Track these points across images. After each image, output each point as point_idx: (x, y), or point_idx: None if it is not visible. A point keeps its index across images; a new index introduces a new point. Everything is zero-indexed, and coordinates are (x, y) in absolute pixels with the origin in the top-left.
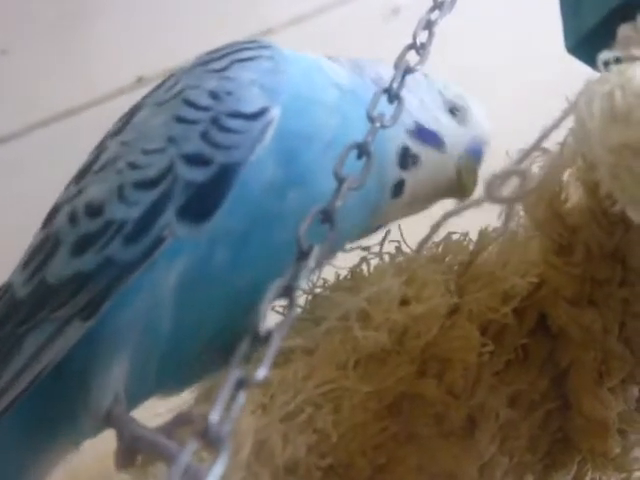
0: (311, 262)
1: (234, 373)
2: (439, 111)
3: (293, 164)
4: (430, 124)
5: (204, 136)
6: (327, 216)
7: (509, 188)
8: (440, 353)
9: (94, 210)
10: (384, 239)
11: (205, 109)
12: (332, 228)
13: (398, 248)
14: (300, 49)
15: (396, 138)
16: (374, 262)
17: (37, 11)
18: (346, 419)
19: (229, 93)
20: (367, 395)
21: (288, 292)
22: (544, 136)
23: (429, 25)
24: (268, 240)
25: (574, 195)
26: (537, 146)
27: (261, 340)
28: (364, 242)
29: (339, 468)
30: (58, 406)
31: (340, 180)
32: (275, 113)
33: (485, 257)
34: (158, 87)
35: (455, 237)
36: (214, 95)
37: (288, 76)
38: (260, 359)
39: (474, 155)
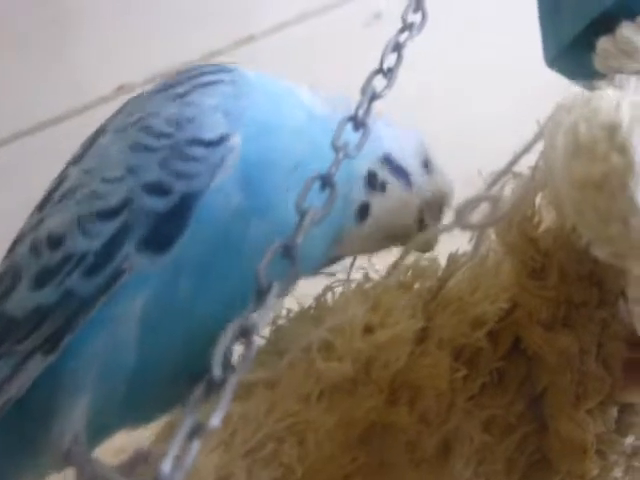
0: (270, 301)
1: (188, 420)
2: (414, 155)
3: (256, 191)
4: (401, 161)
5: (164, 164)
6: (288, 251)
7: (480, 214)
8: (410, 381)
9: (54, 241)
10: (351, 266)
11: (165, 136)
12: (294, 264)
13: (366, 275)
14: (283, 56)
15: (366, 161)
16: (341, 289)
17: (19, 19)
18: (312, 452)
19: (189, 120)
20: (334, 427)
21: (245, 334)
22: (515, 160)
23: (398, 47)
24: (232, 269)
25: (547, 218)
26: (508, 170)
27: (216, 385)
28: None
29: None
30: (20, 441)
31: (302, 213)
32: (237, 140)
33: (454, 282)
34: (119, 112)
35: (424, 263)
36: (174, 122)
37: (251, 100)
38: (215, 402)
39: (433, 211)
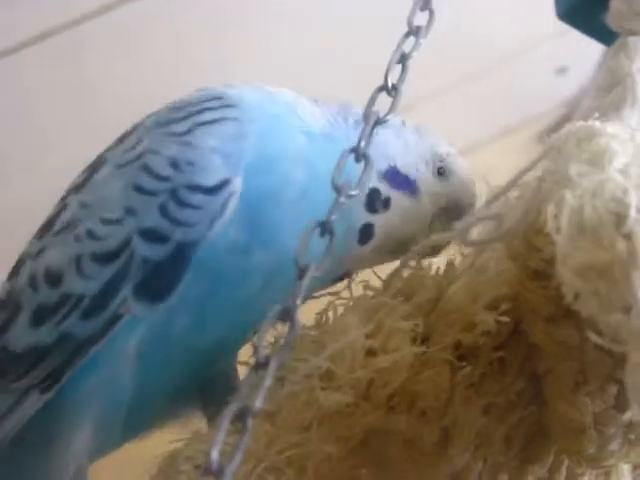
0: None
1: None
2: (422, 161)
3: (260, 225)
4: (407, 169)
5: (162, 210)
6: (287, 315)
7: (482, 228)
8: (410, 391)
9: (52, 279)
10: (350, 282)
11: (164, 179)
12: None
13: (366, 286)
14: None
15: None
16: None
17: None
18: (311, 476)
19: (189, 163)
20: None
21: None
22: (518, 178)
23: (403, 59)
24: (231, 302)
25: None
26: (510, 187)
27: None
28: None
29: None
30: (19, 475)
31: (301, 270)
32: (237, 184)
33: (453, 292)
34: (120, 141)
35: (422, 272)
36: (174, 164)
37: (253, 137)
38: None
39: (448, 218)
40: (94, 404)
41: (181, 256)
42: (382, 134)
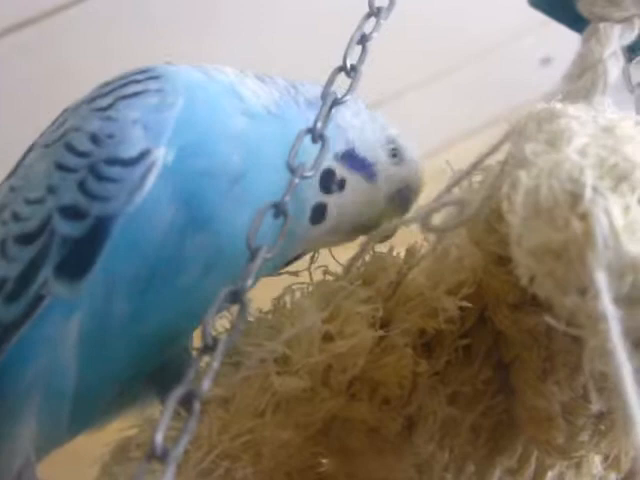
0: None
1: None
2: (378, 144)
3: (193, 204)
4: (365, 152)
5: (81, 186)
6: (236, 297)
7: (445, 214)
8: (370, 378)
9: None
10: (311, 264)
11: (84, 155)
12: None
13: (326, 271)
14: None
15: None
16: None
17: None
18: (267, 463)
19: (110, 136)
20: (290, 435)
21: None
22: (479, 161)
23: (363, 40)
24: (171, 286)
25: None
26: (471, 171)
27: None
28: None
29: None
30: None
31: (253, 252)
32: (158, 154)
33: (414, 277)
34: (52, 123)
35: (383, 256)
36: (95, 139)
37: (178, 110)
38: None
39: (404, 199)
40: (35, 394)
41: (99, 231)
42: (340, 115)
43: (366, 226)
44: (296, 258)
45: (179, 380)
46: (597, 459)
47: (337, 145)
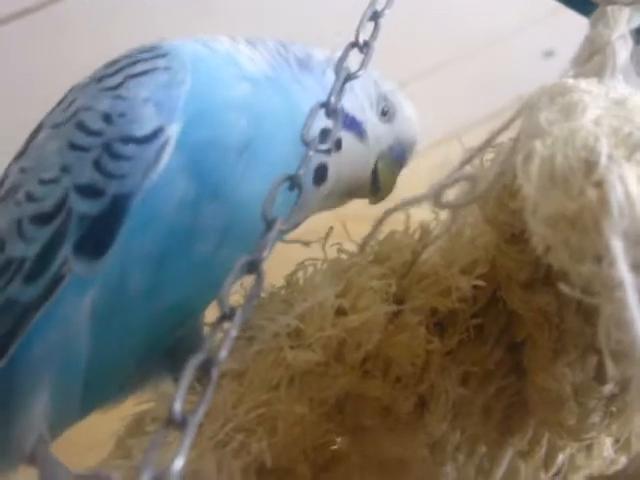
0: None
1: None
2: (368, 102)
3: (204, 175)
4: (355, 111)
5: (96, 164)
6: (253, 267)
7: (458, 190)
8: (384, 355)
9: None
10: (325, 240)
11: (97, 134)
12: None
13: (340, 249)
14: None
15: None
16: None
17: None
18: (282, 438)
19: (121, 115)
20: (304, 410)
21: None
22: (492, 138)
23: (375, 16)
24: (185, 259)
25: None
26: (484, 148)
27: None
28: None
29: (280, 472)
30: None
31: (269, 222)
32: (171, 132)
33: (428, 255)
34: (59, 103)
35: (398, 235)
36: (106, 118)
37: (188, 85)
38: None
39: (395, 157)
40: (48, 370)
41: (117, 209)
42: (329, 75)
43: (355, 190)
44: (297, 225)
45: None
46: (608, 441)
47: None
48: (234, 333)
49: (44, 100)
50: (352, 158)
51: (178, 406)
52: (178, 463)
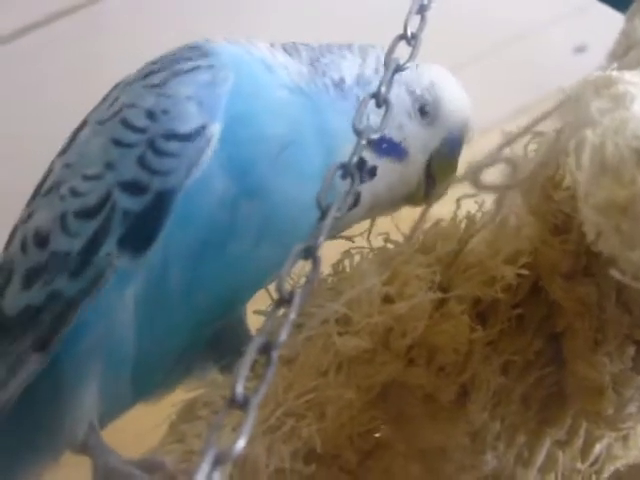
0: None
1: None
2: (405, 115)
3: (243, 174)
4: (393, 133)
5: (140, 161)
6: (309, 253)
7: (499, 175)
8: (429, 344)
9: (41, 239)
10: (370, 230)
11: (141, 131)
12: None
13: (387, 239)
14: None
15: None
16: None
17: None
18: (330, 423)
19: (165, 112)
20: (352, 396)
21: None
22: (532, 125)
23: (422, 9)
24: (225, 255)
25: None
26: (524, 133)
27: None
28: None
29: (326, 457)
30: (29, 437)
31: (324, 209)
32: (214, 130)
33: (474, 245)
34: (103, 100)
35: (444, 224)
36: (150, 115)
37: (229, 85)
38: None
39: (448, 152)
40: (96, 362)
41: (161, 205)
42: (359, 94)
43: (402, 201)
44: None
45: (237, 347)
46: None
47: None
48: (293, 316)
49: (77, 102)
50: (391, 179)
51: (240, 387)
52: (240, 443)
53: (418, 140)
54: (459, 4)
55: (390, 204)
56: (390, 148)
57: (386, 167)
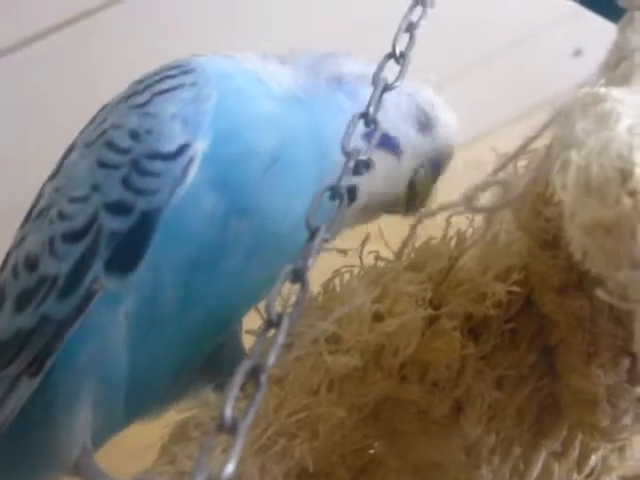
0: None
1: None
2: (403, 117)
3: (232, 192)
4: (390, 129)
5: (125, 182)
6: (297, 276)
7: (491, 196)
8: (421, 361)
9: (31, 264)
10: (362, 248)
11: (125, 152)
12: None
13: (377, 257)
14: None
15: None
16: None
17: None
18: (323, 442)
19: (149, 132)
20: (344, 414)
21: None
22: (525, 145)
23: (411, 27)
24: (216, 272)
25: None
26: (518, 155)
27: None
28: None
29: (319, 476)
30: (23, 459)
31: (313, 231)
32: (198, 147)
33: (464, 262)
34: (91, 121)
35: (434, 242)
36: (134, 135)
37: (214, 101)
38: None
39: (433, 168)
40: (89, 383)
41: (146, 225)
42: (364, 93)
43: (390, 205)
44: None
45: (233, 366)
46: None
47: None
48: (281, 340)
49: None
50: (386, 175)
51: (229, 411)
52: (229, 468)
53: (411, 142)
54: (457, 10)
55: (382, 204)
56: (385, 141)
57: (382, 161)
